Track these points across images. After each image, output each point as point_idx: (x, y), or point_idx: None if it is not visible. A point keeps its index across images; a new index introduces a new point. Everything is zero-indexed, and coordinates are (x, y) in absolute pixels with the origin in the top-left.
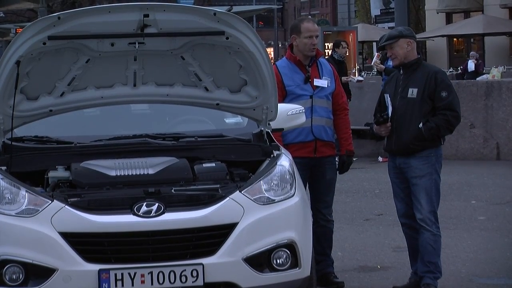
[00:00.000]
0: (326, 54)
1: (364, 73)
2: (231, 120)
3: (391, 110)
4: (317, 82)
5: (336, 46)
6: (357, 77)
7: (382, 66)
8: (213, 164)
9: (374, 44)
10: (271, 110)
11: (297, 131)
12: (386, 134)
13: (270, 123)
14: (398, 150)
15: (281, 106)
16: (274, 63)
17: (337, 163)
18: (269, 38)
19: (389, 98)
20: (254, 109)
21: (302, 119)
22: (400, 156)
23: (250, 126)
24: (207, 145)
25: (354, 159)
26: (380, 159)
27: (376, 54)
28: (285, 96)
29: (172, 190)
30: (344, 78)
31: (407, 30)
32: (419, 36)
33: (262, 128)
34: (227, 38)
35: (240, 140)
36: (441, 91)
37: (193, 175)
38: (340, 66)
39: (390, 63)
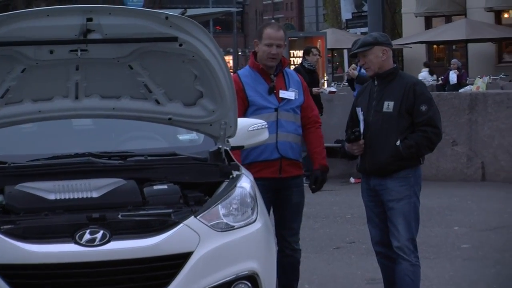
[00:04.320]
0: (292, 63)
1: (334, 84)
2: (185, 136)
3: (363, 126)
4: (282, 93)
5: (306, 53)
6: (329, 88)
7: (356, 72)
8: (165, 186)
9: (345, 51)
10: (230, 125)
11: (260, 148)
12: (359, 152)
13: (229, 140)
14: (373, 170)
15: (241, 121)
16: (235, 72)
17: (305, 184)
18: (227, 45)
19: (361, 112)
20: (211, 124)
21: (265, 135)
22: (374, 176)
23: (206, 144)
24: (158, 165)
25: None
26: (352, 180)
27: (352, 66)
28: (247, 107)
29: (119, 216)
30: (315, 89)
31: (383, 36)
32: (395, 42)
33: (220, 146)
34: (180, 45)
35: (195, 159)
36: (421, 104)
37: (142, 198)
38: (311, 76)
39: (363, 70)
